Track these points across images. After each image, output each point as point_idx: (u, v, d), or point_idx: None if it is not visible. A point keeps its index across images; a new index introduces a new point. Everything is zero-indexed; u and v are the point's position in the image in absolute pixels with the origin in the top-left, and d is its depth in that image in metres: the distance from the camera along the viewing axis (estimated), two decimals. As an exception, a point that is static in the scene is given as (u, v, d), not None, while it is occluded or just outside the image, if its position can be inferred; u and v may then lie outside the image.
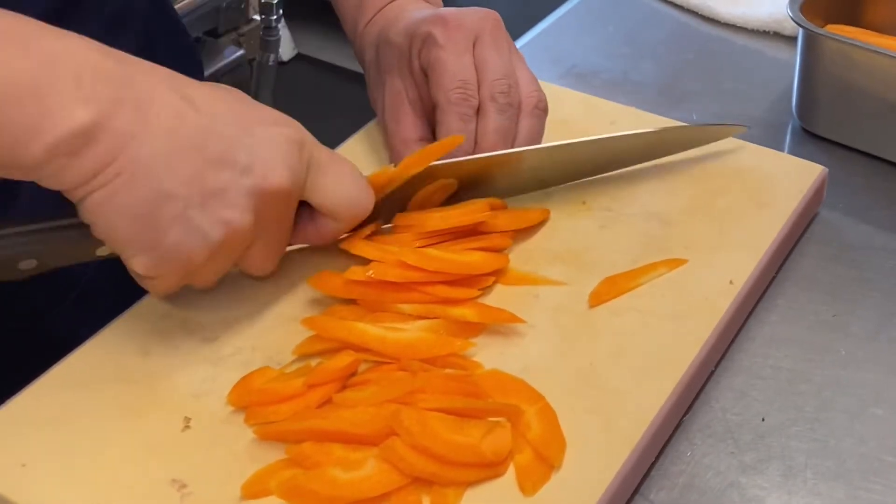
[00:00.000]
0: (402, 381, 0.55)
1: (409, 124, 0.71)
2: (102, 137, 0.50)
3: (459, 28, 0.69)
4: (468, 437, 0.53)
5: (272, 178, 0.55)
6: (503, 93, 0.68)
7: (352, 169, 0.60)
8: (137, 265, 0.54)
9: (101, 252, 0.57)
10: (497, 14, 0.71)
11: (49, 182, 0.51)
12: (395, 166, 0.65)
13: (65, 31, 0.52)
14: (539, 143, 0.71)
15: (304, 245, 0.63)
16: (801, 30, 0.78)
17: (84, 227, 0.54)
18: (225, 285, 0.64)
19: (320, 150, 0.59)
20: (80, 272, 0.76)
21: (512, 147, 0.69)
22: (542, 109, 0.70)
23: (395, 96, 0.72)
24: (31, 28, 0.51)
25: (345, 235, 0.63)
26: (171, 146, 0.52)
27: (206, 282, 0.58)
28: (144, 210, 0.52)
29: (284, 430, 0.54)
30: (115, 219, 0.52)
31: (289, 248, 0.63)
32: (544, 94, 0.70)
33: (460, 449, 0.52)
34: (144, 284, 0.57)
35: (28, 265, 0.57)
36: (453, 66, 0.68)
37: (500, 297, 0.64)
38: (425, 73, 0.69)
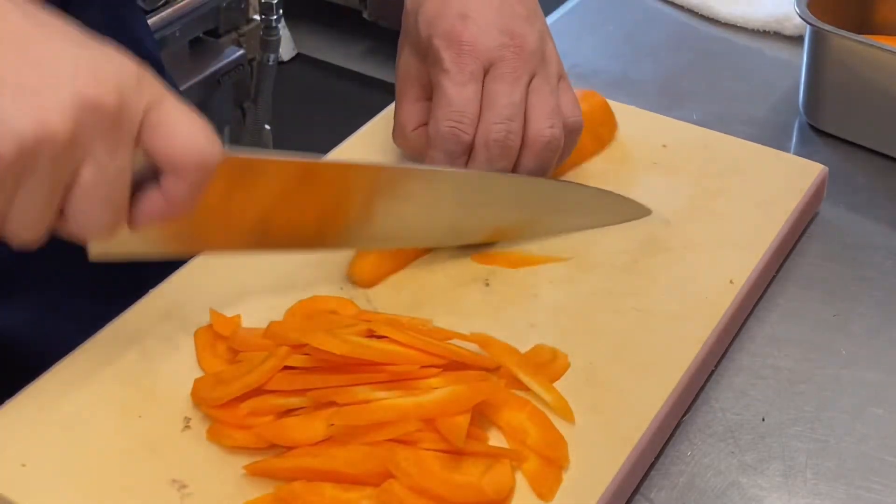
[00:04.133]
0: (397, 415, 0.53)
1: (410, 109, 0.69)
2: None
3: (471, 53, 0.65)
4: (468, 476, 0.52)
5: (98, 88, 0.49)
6: (497, 141, 0.64)
7: (195, 116, 0.53)
8: None
9: None
10: (528, 39, 0.66)
11: None
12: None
13: None
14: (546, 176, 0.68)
15: (154, 222, 0.54)
16: (808, 27, 0.79)
17: None
18: (225, 286, 0.64)
19: (164, 93, 0.53)
20: (80, 272, 0.75)
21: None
22: (552, 150, 0.66)
23: (405, 73, 0.70)
24: None
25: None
26: None
27: (24, 219, 0.50)
28: None
29: (274, 467, 0.53)
30: None
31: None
32: (561, 132, 0.66)
33: (460, 489, 0.51)
34: None
35: None
36: (451, 97, 0.64)
37: (499, 297, 0.64)
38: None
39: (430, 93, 0.68)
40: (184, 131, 0.52)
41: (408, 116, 0.69)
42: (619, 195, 0.69)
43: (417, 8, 0.68)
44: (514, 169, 0.66)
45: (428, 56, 0.67)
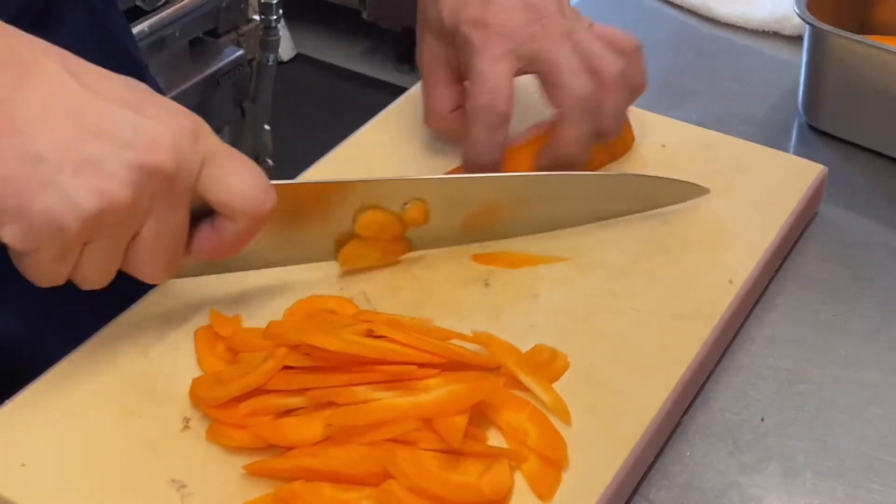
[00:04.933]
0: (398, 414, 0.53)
1: (443, 92, 0.70)
2: None
3: (500, 33, 0.66)
4: (466, 476, 0.52)
5: (155, 154, 0.51)
6: (586, 93, 0.65)
7: (251, 165, 0.56)
8: (8, 234, 0.51)
9: None
10: (549, 9, 0.68)
11: None
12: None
13: None
14: (623, 121, 0.69)
15: (208, 258, 0.58)
16: (807, 27, 0.79)
17: None
18: (225, 286, 0.64)
19: (219, 145, 0.55)
20: (55, 291, 0.75)
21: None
22: (625, 79, 0.67)
23: (433, 58, 0.70)
24: None
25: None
26: (46, 110, 0.50)
27: (90, 273, 0.53)
28: (13, 170, 0.49)
29: (274, 467, 0.53)
30: None
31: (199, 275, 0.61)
32: (624, 62, 0.68)
33: (459, 489, 0.51)
34: (23, 265, 0.53)
35: None
36: (485, 72, 0.66)
37: (499, 297, 0.64)
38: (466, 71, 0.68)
39: (459, 76, 0.70)
40: (238, 183, 0.55)
41: (442, 99, 0.70)
42: (670, 179, 0.69)
43: None
44: (600, 117, 0.67)
45: (456, 42, 0.68)
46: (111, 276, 0.55)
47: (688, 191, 0.70)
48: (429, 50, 0.71)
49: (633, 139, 0.74)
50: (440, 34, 0.70)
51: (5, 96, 0.50)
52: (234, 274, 0.64)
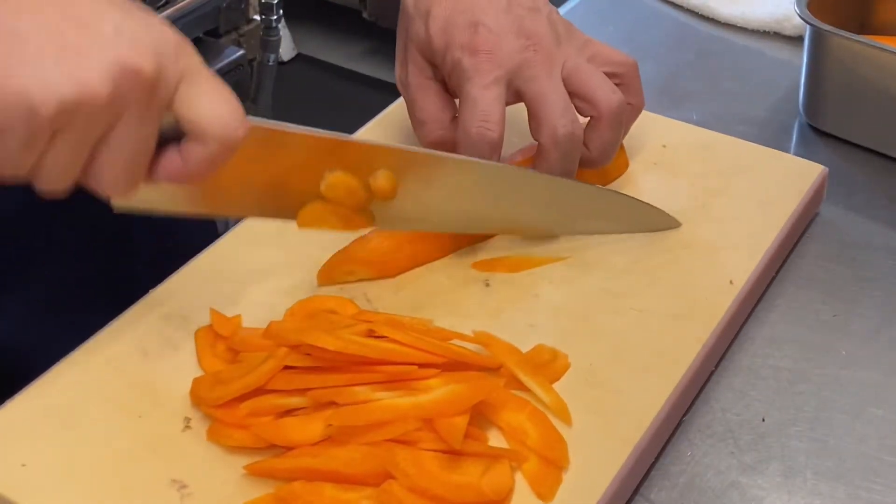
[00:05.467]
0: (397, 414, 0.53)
1: (434, 105, 0.68)
2: None
3: (492, 60, 0.65)
4: (467, 476, 0.52)
5: (138, 55, 0.50)
6: (567, 134, 0.64)
7: (228, 91, 0.55)
8: None
9: None
10: (543, 34, 0.66)
11: None
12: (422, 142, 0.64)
13: None
14: (615, 152, 0.68)
15: (170, 182, 0.55)
16: (808, 27, 0.79)
17: None
18: (225, 286, 0.64)
19: (200, 65, 0.54)
20: (74, 276, 0.75)
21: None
22: (622, 111, 0.66)
23: (420, 72, 0.69)
24: None
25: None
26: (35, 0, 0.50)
27: (52, 171, 0.52)
28: None
29: (274, 467, 0.53)
30: None
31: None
32: (622, 95, 0.66)
33: (459, 489, 0.51)
34: None
35: None
36: (476, 99, 0.64)
37: (499, 297, 0.64)
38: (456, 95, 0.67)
39: (446, 87, 0.68)
40: (212, 104, 0.53)
41: (432, 113, 0.68)
42: (650, 206, 0.68)
43: (426, 15, 0.68)
44: (590, 145, 0.66)
45: (445, 64, 0.66)
46: (71, 178, 0.53)
47: (660, 220, 0.69)
48: (415, 64, 0.69)
49: (627, 164, 0.74)
50: (427, 51, 0.68)
51: None
52: (234, 274, 0.64)
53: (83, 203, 0.56)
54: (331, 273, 0.65)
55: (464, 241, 0.68)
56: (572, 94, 0.66)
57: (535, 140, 0.66)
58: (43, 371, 0.59)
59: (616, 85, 0.67)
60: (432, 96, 0.69)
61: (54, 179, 0.52)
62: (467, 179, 0.64)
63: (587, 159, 0.67)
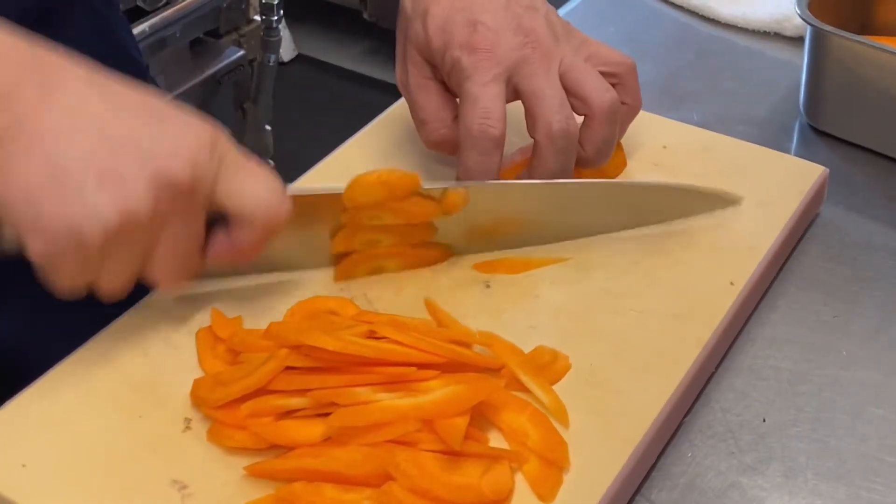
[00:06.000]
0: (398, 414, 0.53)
1: (436, 106, 0.68)
2: (1, 111, 0.51)
3: (491, 58, 0.65)
4: (467, 477, 0.52)
5: (174, 166, 0.53)
6: (561, 130, 0.64)
7: (267, 173, 0.58)
8: (32, 245, 0.52)
9: (8, 235, 0.54)
10: (541, 32, 0.67)
11: None
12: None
13: None
14: (611, 151, 0.68)
15: (223, 263, 0.59)
16: (808, 28, 0.79)
17: None
18: (226, 286, 0.64)
19: (235, 153, 0.56)
20: (55, 294, 0.75)
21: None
22: (616, 111, 0.67)
23: (420, 72, 0.69)
24: None
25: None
26: (71, 125, 0.52)
27: (110, 283, 0.55)
28: (38, 182, 0.51)
29: (275, 468, 0.53)
30: (10, 191, 0.51)
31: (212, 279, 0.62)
32: (616, 94, 0.67)
33: (460, 490, 0.51)
34: (47, 276, 0.54)
35: None
36: (477, 96, 0.64)
37: (500, 298, 0.64)
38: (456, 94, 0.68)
39: (447, 88, 0.69)
40: (252, 190, 0.56)
41: (434, 113, 0.69)
42: (701, 187, 0.69)
43: (423, 15, 0.68)
44: (584, 144, 0.67)
45: (445, 63, 0.67)
46: (130, 284, 0.56)
47: (720, 200, 0.69)
48: (415, 64, 0.69)
49: (624, 163, 0.73)
50: (426, 52, 0.68)
51: (30, 112, 0.51)
52: (234, 275, 0.64)
53: None
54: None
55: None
56: (567, 92, 0.66)
57: (531, 136, 0.66)
58: (45, 371, 0.59)
59: (613, 85, 0.67)
60: (433, 96, 0.69)
61: (112, 288, 0.55)
62: (530, 202, 0.66)
63: (583, 158, 0.67)
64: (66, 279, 0.54)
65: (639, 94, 0.70)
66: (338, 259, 0.65)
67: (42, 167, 0.51)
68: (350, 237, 0.64)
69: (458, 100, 0.67)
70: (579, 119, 0.67)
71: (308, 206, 0.62)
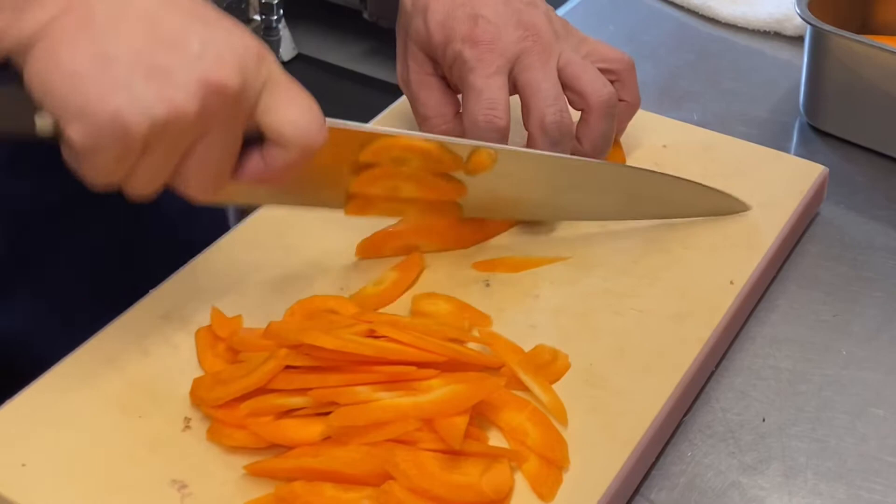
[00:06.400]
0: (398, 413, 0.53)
1: (438, 101, 0.69)
2: None
3: (493, 50, 0.66)
4: (467, 476, 0.52)
5: (223, 72, 0.52)
6: (554, 122, 0.65)
7: (310, 98, 0.58)
8: (73, 132, 0.51)
9: (42, 125, 0.53)
10: (541, 26, 0.67)
11: None
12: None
13: None
14: (609, 147, 0.69)
15: (252, 184, 0.58)
16: (808, 27, 0.79)
17: (25, 91, 0.52)
18: (225, 286, 0.64)
19: (280, 72, 0.56)
20: (78, 272, 0.75)
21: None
22: (613, 106, 0.67)
23: (421, 68, 0.70)
24: None
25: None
26: (121, 15, 0.51)
27: (143, 181, 0.54)
28: (86, 69, 0.50)
29: (275, 467, 0.53)
30: (55, 76, 0.50)
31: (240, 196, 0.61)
32: (613, 89, 0.67)
33: (460, 489, 0.51)
34: (81, 165, 0.53)
35: None
36: (481, 88, 0.65)
37: (500, 297, 0.64)
38: (458, 87, 0.68)
39: (448, 84, 0.69)
40: (293, 112, 0.56)
41: (435, 108, 0.69)
42: (717, 190, 0.69)
43: (424, 10, 0.68)
44: (581, 139, 0.67)
45: (446, 57, 0.67)
46: (160, 185, 0.55)
47: (727, 204, 0.70)
48: (416, 60, 0.70)
49: (623, 161, 0.73)
50: (427, 47, 0.69)
51: None
52: (234, 274, 0.64)
53: (97, 197, 0.56)
54: (380, 247, 0.65)
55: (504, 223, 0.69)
56: (564, 87, 0.67)
57: (526, 128, 0.66)
58: (51, 364, 0.59)
59: (611, 82, 0.68)
60: (434, 92, 0.69)
61: (143, 187, 0.54)
62: (534, 171, 0.66)
63: (580, 154, 0.68)
64: (101, 172, 0.53)
65: (637, 92, 0.71)
66: (352, 197, 0.65)
67: (90, 55, 0.50)
68: (372, 180, 0.64)
69: (459, 95, 0.68)
70: (575, 116, 0.67)
71: (335, 141, 0.61)
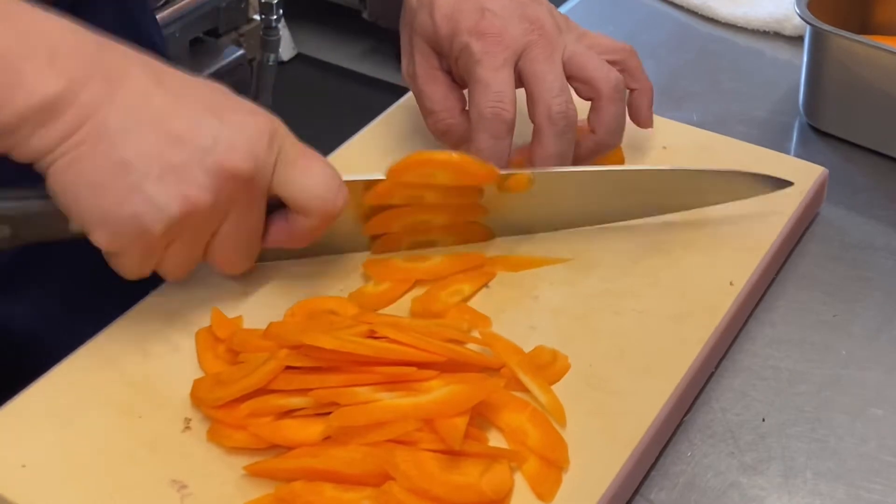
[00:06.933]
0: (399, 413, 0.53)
1: (444, 97, 0.69)
2: (70, 108, 0.52)
3: (499, 42, 0.66)
4: (467, 477, 0.52)
5: (234, 159, 0.55)
6: (560, 112, 0.65)
7: (324, 163, 0.60)
8: (98, 237, 0.55)
9: (73, 228, 0.57)
10: (545, 20, 0.68)
11: (18, 151, 0.53)
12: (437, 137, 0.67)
13: (46, 11, 0.54)
14: (622, 133, 0.69)
15: (280, 247, 0.62)
16: (808, 27, 0.79)
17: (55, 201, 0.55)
18: (226, 286, 0.64)
19: (293, 144, 0.58)
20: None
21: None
22: (622, 91, 0.68)
23: (427, 63, 0.70)
24: (12, 4, 0.53)
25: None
26: (134, 120, 0.54)
27: (174, 268, 0.58)
28: (102, 179, 0.53)
29: (274, 468, 0.53)
30: (76, 188, 0.54)
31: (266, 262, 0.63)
32: (619, 74, 0.68)
33: (460, 489, 0.51)
34: (112, 263, 0.57)
35: (2, 232, 0.57)
36: (489, 81, 0.65)
37: (499, 298, 0.64)
38: (465, 79, 0.68)
39: (453, 80, 0.70)
40: (312, 180, 0.58)
41: (443, 103, 0.70)
42: (751, 173, 0.69)
43: (430, 4, 0.69)
44: (595, 127, 0.68)
45: (452, 50, 0.68)
46: (192, 268, 0.59)
47: (768, 183, 0.69)
48: (422, 54, 0.70)
49: (622, 161, 0.74)
50: (433, 41, 0.69)
51: (96, 108, 0.53)
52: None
53: None
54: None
55: None
56: (571, 78, 0.68)
57: (531, 120, 0.67)
58: (59, 360, 0.59)
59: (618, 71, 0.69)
60: (440, 86, 0.70)
61: (175, 273, 0.59)
62: (569, 186, 0.67)
63: (595, 143, 0.68)
64: (130, 266, 0.57)
65: (646, 76, 0.72)
66: (375, 238, 0.66)
67: (106, 163, 0.53)
68: (386, 220, 0.65)
69: (465, 91, 0.68)
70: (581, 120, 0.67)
71: (367, 192, 0.64)
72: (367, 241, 0.66)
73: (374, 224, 0.65)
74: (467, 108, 0.68)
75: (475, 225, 0.67)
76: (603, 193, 0.67)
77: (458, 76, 0.69)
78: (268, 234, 0.60)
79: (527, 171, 0.65)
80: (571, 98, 0.66)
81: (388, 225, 0.65)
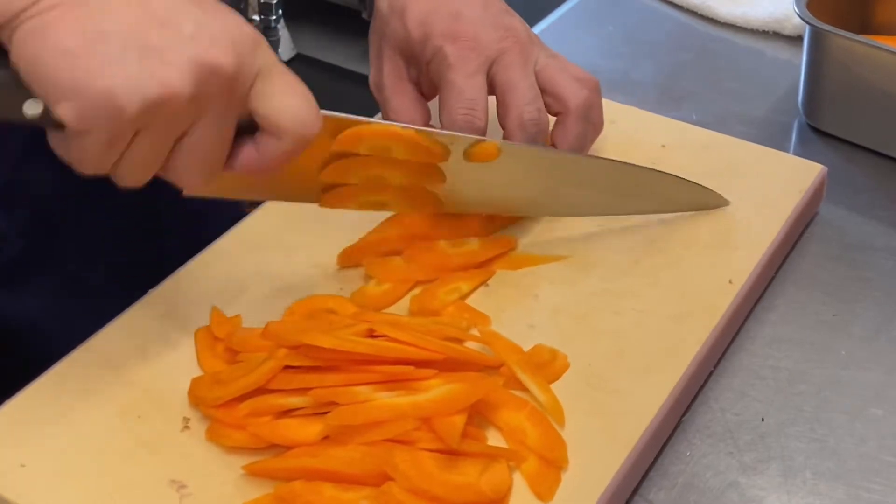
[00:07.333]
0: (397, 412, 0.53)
1: (409, 107, 0.69)
2: None
3: (473, 47, 0.66)
4: (465, 476, 0.52)
5: (217, 52, 0.51)
6: (532, 119, 0.65)
7: (305, 88, 0.57)
8: (64, 111, 0.49)
9: (30, 109, 0.51)
10: (519, 30, 0.68)
11: None
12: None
13: None
14: (584, 152, 0.69)
15: (244, 174, 0.57)
16: (808, 27, 0.79)
17: (13, 74, 0.50)
18: (225, 286, 0.64)
19: (276, 62, 0.55)
20: (92, 257, 0.75)
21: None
22: (589, 107, 0.68)
23: (395, 73, 0.70)
24: None
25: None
26: None
27: (132, 167, 0.53)
28: (76, 47, 0.48)
29: (274, 467, 0.53)
30: (45, 54, 0.49)
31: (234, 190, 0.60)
32: (589, 93, 0.68)
33: (459, 489, 0.51)
34: (71, 149, 0.52)
35: None
36: (462, 87, 0.65)
37: (499, 298, 0.64)
38: (435, 83, 0.68)
39: (421, 91, 0.69)
40: (288, 100, 0.55)
41: (407, 115, 0.69)
42: (698, 185, 0.69)
43: (402, 10, 0.69)
44: (557, 142, 0.68)
45: (424, 55, 0.67)
46: (150, 173, 0.54)
47: (708, 199, 0.70)
48: (390, 63, 0.70)
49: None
50: (404, 49, 0.69)
51: None
52: (234, 274, 0.64)
53: (114, 187, 0.56)
54: (357, 256, 0.65)
55: (497, 222, 0.69)
56: (541, 91, 0.67)
57: (502, 126, 0.66)
58: (65, 353, 0.59)
59: None
60: (406, 98, 0.69)
61: (134, 175, 0.53)
62: (525, 166, 0.66)
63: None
64: (91, 156, 0.51)
65: (602, 115, 0.71)
66: (327, 189, 0.64)
67: (82, 32, 0.49)
68: (345, 169, 0.63)
69: (434, 98, 0.68)
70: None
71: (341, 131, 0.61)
72: (318, 192, 0.64)
73: (332, 170, 0.63)
74: (431, 122, 0.68)
75: (428, 194, 0.66)
76: (561, 179, 0.67)
77: (429, 82, 0.68)
78: (235, 157, 0.55)
79: (496, 141, 0.64)
80: (543, 106, 0.66)
81: (345, 174, 0.63)
